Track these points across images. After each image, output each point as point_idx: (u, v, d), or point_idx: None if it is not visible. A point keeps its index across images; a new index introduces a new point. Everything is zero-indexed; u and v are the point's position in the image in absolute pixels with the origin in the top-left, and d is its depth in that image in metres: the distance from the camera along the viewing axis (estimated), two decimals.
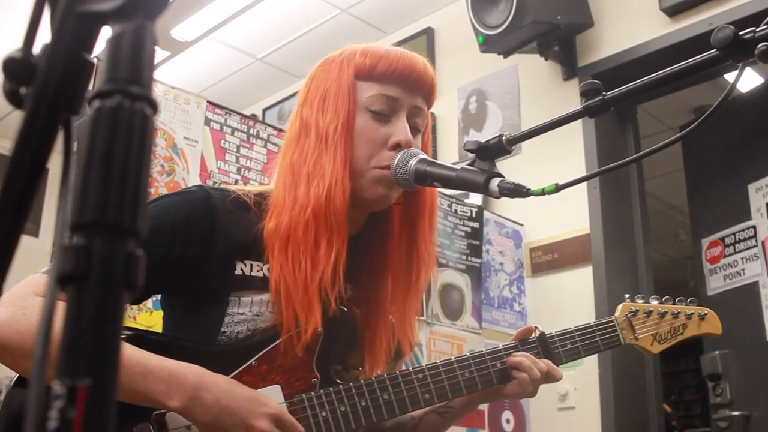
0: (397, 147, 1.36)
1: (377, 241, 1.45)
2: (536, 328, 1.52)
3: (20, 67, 0.49)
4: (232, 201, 1.35)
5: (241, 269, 1.33)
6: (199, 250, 1.30)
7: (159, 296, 1.51)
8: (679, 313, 1.64)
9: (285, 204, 1.34)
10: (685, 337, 1.65)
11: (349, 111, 1.35)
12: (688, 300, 1.69)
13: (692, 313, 1.66)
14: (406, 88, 1.38)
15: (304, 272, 1.29)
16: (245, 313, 1.31)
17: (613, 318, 1.59)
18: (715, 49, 1.03)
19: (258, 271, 1.34)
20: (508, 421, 3.41)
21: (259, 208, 1.37)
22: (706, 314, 1.67)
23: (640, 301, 1.64)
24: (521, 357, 1.44)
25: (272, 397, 1.26)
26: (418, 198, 1.44)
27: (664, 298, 1.66)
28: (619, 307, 1.62)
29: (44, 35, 0.51)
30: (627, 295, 1.66)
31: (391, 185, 1.36)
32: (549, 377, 1.46)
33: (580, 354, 1.53)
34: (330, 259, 1.30)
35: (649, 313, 1.61)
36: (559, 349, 1.51)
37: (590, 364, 3.40)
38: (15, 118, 0.48)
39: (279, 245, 1.32)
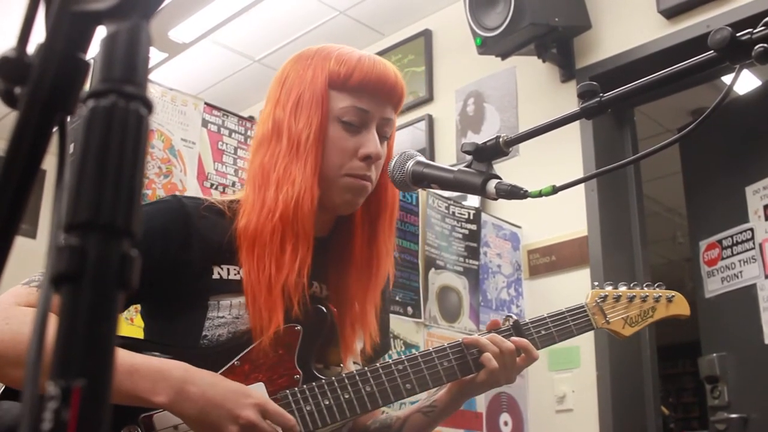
0: (367, 159, 1.40)
1: (343, 239, 1.49)
2: (510, 316, 1.56)
3: (14, 66, 0.49)
4: (206, 208, 1.38)
5: (219, 273, 1.35)
6: (177, 256, 1.32)
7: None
8: (647, 296, 1.69)
9: (254, 205, 1.37)
10: (656, 319, 1.70)
11: (321, 120, 1.38)
12: (656, 285, 1.76)
13: (660, 296, 1.71)
14: (378, 101, 1.42)
15: (267, 274, 1.32)
16: (225, 316, 1.33)
17: (584, 304, 1.64)
18: (712, 51, 1.03)
19: (235, 274, 1.36)
20: (506, 424, 3.41)
21: (234, 214, 1.40)
22: (673, 296, 1.73)
23: (609, 288, 1.69)
24: (483, 338, 1.46)
25: None
26: (380, 196, 1.48)
27: (632, 284, 1.72)
28: (589, 293, 1.67)
29: (38, 34, 0.50)
30: (596, 283, 1.72)
31: (359, 192, 1.41)
32: (527, 357, 1.47)
33: (554, 339, 1.57)
34: (295, 263, 1.33)
35: (618, 298, 1.67)
36: (533, 335, 1.54)
37: (588, 366, 3.40)
38: (11, 120, 0.47)
39: (247, 245, 1.35)
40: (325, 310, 1.39)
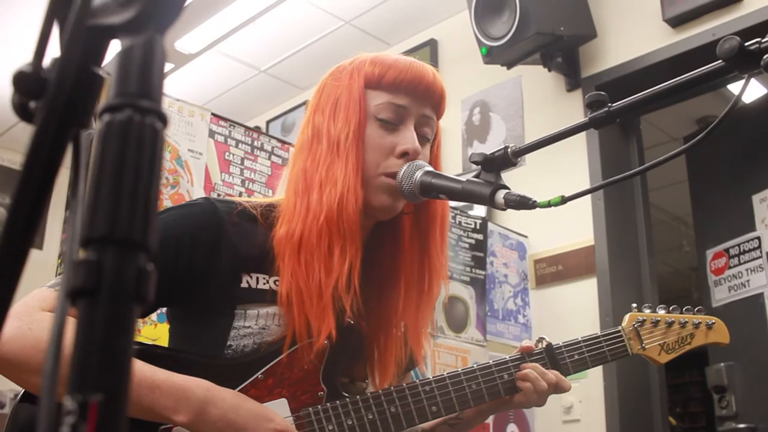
0: (404, 155, 1.36)
1: (387, 251, 1.45)
2: (543, 338, 1.52)
3: (30, 81, 0.49)
4: (239, 213, 1.35)
5: (247, 282, 1.32)
6: (205, 262, 1.29)
7: (164, 308, 1.51)
8: (686, 322, 1.63)
9: (297, 211, 1.33)
10: (693, 346, 1.64)
11: (360, 119, 1.36)
12: (696, 309, 1.68)
13: (700, 323, 1.65)
14: (415, 98, 1.39)
15: (317, 280, 1.28)
16: (251, 326, 1.30)
17: (620, 328, 1.59)
18: (720, 60, 1.03)
19: (264, 284, 1.32)
20: None
21: (267, 221, 1.36)
22: (713, 323, 1.66)
23: (647, 311, 1.63)
24: (528, 368, 1.45)
25: (279, 411, 1.26)
26: (430, 208, 1.44)
27: (671, 308, 1.65)
28: (626, 317, 1.61)
29: (54, 49, 0.51)
30: (634, 305, 1.65)
31: (396, 195, 1.36)
32: (558, 388, 1.46)
33: (588, 365, 1.53)
34: (344, 266, 1.30)
35: (656, 323, 1.61)
36: (566, 360, 1.51)
37: (595, 376, 3.38)
38: (18, 130, 0.48)
39: (290, 252, 1.31)
40: (352, 323, 1.36)
